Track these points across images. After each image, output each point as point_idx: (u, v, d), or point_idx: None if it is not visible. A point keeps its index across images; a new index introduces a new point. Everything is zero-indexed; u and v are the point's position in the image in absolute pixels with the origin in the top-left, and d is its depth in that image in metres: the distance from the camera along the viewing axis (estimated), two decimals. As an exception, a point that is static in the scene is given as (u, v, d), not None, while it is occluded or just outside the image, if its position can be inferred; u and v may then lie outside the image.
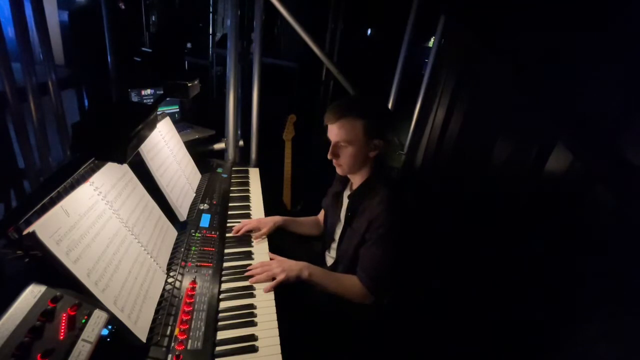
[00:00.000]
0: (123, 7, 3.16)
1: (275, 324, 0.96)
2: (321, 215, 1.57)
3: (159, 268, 1.00)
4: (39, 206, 0.67)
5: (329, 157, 1.21)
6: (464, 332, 1.47)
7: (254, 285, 1.09)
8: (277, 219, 1.41)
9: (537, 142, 1.18)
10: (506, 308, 1.25)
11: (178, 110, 2.29)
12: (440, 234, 1.78)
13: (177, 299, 0.96)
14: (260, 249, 1.27)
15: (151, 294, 0.91)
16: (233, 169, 1.81)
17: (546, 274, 1.09)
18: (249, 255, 1.22)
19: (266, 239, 1.33)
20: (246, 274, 1.12)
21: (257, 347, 0.89)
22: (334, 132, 1.16)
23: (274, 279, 1.10)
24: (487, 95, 1.55)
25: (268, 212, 1.51)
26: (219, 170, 1.75)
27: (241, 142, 2.00)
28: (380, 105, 1.23)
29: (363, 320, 1.25)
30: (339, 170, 1.25)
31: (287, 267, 1.13)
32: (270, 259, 1.21)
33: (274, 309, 1.01)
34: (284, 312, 1.00)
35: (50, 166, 1.92)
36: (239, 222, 1.38)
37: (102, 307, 0.73)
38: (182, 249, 1.15)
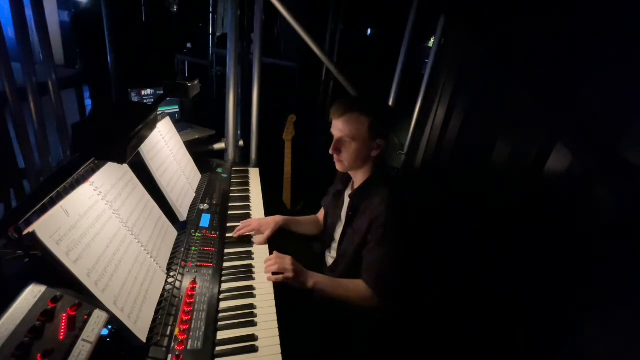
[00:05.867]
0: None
1: (275, 324, 0.96)
2: (321, 214, 1.56)
3: (159, 268, 1.00)
4: (39, 206, 0.67)
5: (330, 152, 1.20)
6: (462, 331, 1.47)
7: (254, 285, 1.09)
8: (278, 219, 1.40)
9: (537, 142, 1.18)
10: (505, 308, 1.25)
11: (178, 110, 2.29)
12: (440, 233, 1.78)
13: (177, 299, 0.96)
14: (261, 249, 1.27)
15: (151, 294, 0.91)
16: (233, 169, 1.81)
17: (546, 274, 1.09)
18: (249, 255, 1.22)
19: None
20: (265, 260, 1.14)
21: (257, 347, 0.89)
22: (339, 127, 1.16)
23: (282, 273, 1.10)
24: (487, 95, 1.55)
25: (268, 212, 1.51)
26: (219, 170, 1.75)
27: (241, 142, 2.00)
28: (386, 105, 1.23)
29: (363, 319, 1.25)
30: (338, 166, 1.24)
31: (297, 269, 1.12)
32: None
33: (274, 309, 1.01)
34: (284, 312, 1.00)
35: (50, 166, 1.92)
36: (239, 222, 1.37)
37: (102, 307, 0.73)
38: (182, 249, 1.15)
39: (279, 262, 1.11)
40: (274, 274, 1.11)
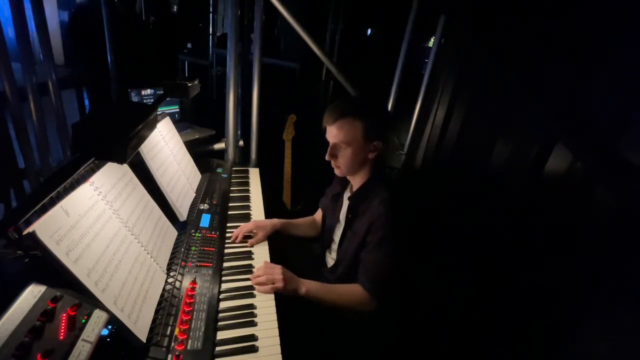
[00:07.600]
0: None
1: (275, 324, 0.96)
2: (318, 215, 1.56)
3: (159, 268, 1.00)
4: (39, 206, 0.66)
5: (327, 158, 1.20)
6: (461, 331, 1.47)
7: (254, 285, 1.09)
8: (275, 222, 1.38)
9: (537, 142, 1.18)
10: (506, 308, 1.25)
11: (178, 110, 2.29)
12: (439, 234, 1.78)
13: (177, 299, 0.96)
14: (261, 249, 1.27)
15: (151, 294, 0.91)
16: (233, 169, 1.81)
17: (546, 274, 1.09)
18: (249, 255, 1.22)
19: (266, 240, 1.32)
20: (251, 276, 1.11)
21: (257, 347, 0.89)
22: (333, 133, 1.16)
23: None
24: (487, 95, 1.55)
25: (268, 212, 1.51)
26: (219, 170, 1.75)
27: (241, 142, 2.00)
28: (379, 106, 1.22)
29: (363, 320, 1.25)
30: (337, 172, 1.25)
31: (288, 277, 1.10)
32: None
33: (274, 309, 1.01)
34: (284, 312, 1.00)
35: (50, 166, 1.92)
36: (239, 223, 1.36)
37: (102, 307, 0.73)
38: (182, 249, 1.15)
39: (268, 273, 1.09)
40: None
